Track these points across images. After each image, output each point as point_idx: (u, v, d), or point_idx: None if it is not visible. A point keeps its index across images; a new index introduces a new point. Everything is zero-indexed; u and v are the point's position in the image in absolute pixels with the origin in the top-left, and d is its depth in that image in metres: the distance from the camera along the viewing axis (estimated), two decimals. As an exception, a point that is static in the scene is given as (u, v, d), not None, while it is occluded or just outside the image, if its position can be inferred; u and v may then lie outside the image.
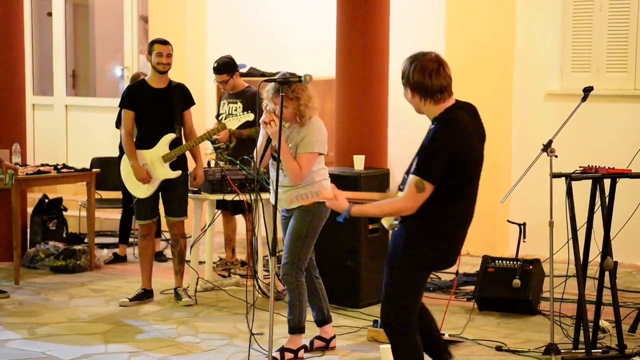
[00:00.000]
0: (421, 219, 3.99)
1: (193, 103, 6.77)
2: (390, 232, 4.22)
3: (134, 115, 6.60)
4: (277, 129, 5.03)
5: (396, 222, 4.11)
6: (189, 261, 6.83)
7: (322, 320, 5.57)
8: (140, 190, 6.62)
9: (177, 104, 6.63)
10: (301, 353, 5.40)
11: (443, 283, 7.12)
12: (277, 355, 5.31)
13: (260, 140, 5.36)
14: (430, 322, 4.48)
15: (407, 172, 4.06)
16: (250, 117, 6.64)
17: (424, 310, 4.46)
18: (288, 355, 5.34)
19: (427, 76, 3.97)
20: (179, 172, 6.58)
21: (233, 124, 6.66)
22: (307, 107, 5.24)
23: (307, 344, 5.52)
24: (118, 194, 8.20)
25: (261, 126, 5.25)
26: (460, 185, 4.00)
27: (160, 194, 6.66)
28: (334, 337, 5.59)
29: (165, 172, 6.58)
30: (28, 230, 8.13)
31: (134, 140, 6.61)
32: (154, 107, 6.60)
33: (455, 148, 3.92)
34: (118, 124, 7.68)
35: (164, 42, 6.61)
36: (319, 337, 5.56)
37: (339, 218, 4.11)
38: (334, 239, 6.14)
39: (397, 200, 4.03)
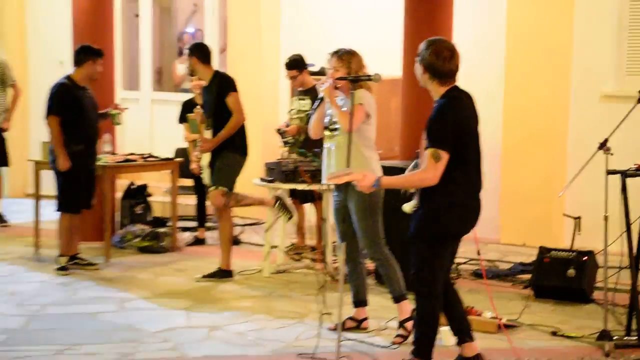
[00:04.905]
0: (432, 193, 4.25)
1: (229, 90, 6.69)
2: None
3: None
4: (328, 85, 5.16)
5: (415, 203, 4.38)
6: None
7: (357, 302, 5.53)
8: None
9: (213, 97, 6.72)
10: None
11: (500, 271, 7.10)
12: (401, 331, 5.25)
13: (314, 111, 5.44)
14: (457, 302, 4.62)
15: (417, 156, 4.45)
16: None
17: (452, 291, 4.60)
18: (408, 325, 5.23)
19: (440, 60, 4.27)
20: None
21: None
22: (356, 74, 5.20)
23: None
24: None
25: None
26: (465, 153, 4.26)
27: None
28: (365, 319, 5.52)
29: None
30: (117, 213, 8.29)
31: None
32: (204, 103, 6.90)
33: (458, 119, 4.24)
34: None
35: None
36: (351, 318, 5.51)
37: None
38: (393, 222, 5.95)
39: (419, 171, 4.30)
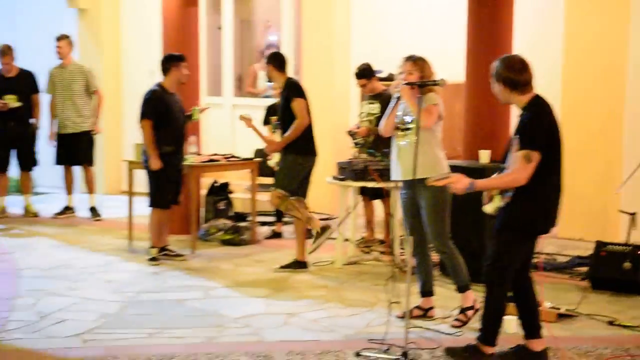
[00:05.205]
0: (523, 192, 4.25)
1: (294, 95, 6.75)
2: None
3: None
4: (403, 86, 5.16)
5: (502, 205, 4.36)
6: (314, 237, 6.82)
7: (424, 292, 5.53)
8: None
9: (282, 101, 6.82)
10: (475, 307, 5.33)
11: (559, 264, 7.01)
12: (461, 317, 5.30)
13: (388, 111, 5.44)
14: (532, 299, 4.57)
15: (503, 161, 4.45)
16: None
17: (530, 287, 4.55)
18: (469, 313, 5.31)
19: (514, 71, 4.31)
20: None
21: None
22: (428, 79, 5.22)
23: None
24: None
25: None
26: (553, 159, 4.28)
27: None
28: (431, 308, 5.51)
29: None
30: (202, 209, 8.42)
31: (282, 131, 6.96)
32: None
33: (549, 125, 4.26)
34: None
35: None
36: (418, 307, 5.50)
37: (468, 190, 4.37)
38: (460, 219, 5.96)
39: (510, 172, 4.31)
